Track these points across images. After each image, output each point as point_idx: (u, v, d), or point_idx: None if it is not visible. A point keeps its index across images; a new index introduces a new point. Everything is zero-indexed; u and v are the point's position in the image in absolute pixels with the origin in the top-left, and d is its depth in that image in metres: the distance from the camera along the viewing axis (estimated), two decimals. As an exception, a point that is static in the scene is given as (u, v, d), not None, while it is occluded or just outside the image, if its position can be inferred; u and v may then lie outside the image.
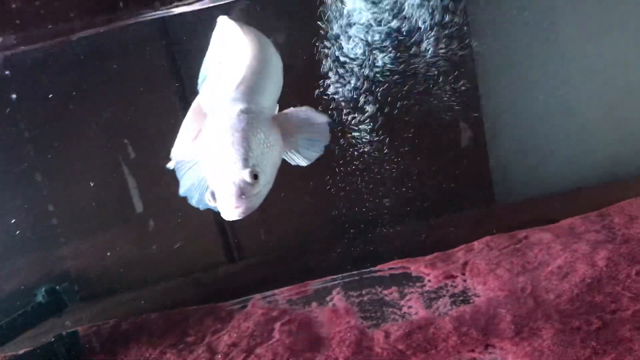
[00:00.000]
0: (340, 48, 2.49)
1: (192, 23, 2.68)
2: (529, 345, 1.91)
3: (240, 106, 1.60)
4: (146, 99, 2.77)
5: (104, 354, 2.42)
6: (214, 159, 1.51)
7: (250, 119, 1.56)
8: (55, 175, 2.79)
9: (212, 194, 1.49)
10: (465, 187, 3.00)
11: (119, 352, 2.42)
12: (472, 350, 1.96)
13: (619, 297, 2.05)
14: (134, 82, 2.76)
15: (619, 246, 2.29)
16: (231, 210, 1.46)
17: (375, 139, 2.77)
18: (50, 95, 2.66)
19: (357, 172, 2.83)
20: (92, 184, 2.81)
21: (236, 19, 2.04)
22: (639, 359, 1.74)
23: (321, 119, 1.72)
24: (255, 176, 1.46)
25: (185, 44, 2.72)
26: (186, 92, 2.79)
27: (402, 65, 2.67)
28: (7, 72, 2.58)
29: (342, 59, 2.51)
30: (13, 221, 2.75)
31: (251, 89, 1.67)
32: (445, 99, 2.84)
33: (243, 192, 1.44)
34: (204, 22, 2.67)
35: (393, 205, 2.88)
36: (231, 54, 1.86)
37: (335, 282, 2.63)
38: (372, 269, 2.67)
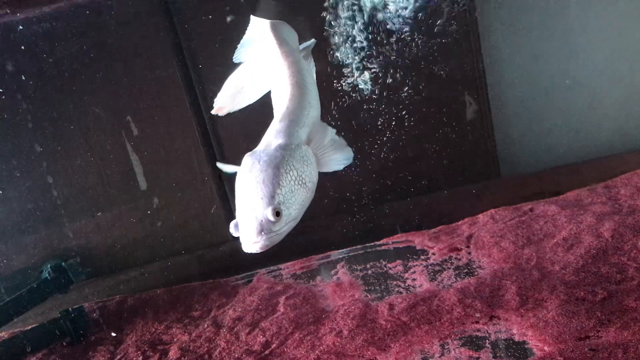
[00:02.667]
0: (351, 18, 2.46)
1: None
2: (533, 316, 1.90)
3: (280, 141, 1.65)
4: (148, 74, 2.76)
5: (110, 329, 2.44)
6: (244, 191, 1.54)
7: (287, 156, 1.60)
8: (59, 153, 2.79)
9: (236, 226, 1.55)
10: (470, 160, 2.98)
11: (125, 328, 2.44)
12: (477, 322, 1.96)
13: (625, 267, 2.04)
14: (134, 57, 2.74)
15: (625, 217, 2.27)
16: (250, 245, 1.52)
17: (380, 114, 2.75)
18: (50, 66, 2.66)
19: (362, 147, 2.81)
20: (96, 161, 2.81)
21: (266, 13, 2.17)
22: (644, 328, 1.73)
23: (347, 149, 1.82)
24: (277, 214, 1.50)
25: (187, 17, 2.69)
26: (188, 67, 2.77)
27: (406, 38, 2.64)
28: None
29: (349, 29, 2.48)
30: (19, 199, 2.76)
31: (293, 123, 1.73)
32: (450, 73, 2.82)
33: (263, 228, 1.49)
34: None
35: (398, 179, 2.87)
36: (270, 75, 2.00)
37: (340, 257, 2.63)
38: (377, 242, 2.67)
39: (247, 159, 1.61)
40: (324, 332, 2.08)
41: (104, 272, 2.87)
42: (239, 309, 2.35)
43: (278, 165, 1.56)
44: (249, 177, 1.55)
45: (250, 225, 1.50)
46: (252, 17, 2.26)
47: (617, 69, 2.95)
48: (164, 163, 2.88)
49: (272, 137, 1.68)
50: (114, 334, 2.39)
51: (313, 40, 2.30)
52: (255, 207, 1.50)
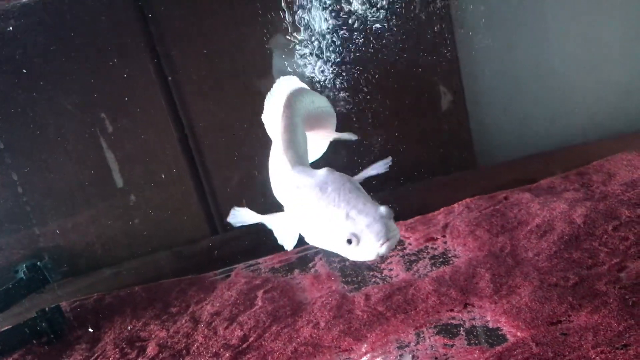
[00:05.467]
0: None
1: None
2: (507, 303, 1.92)
3: (325, 171, 1.65)
4: (122, 70, 2.73)
5: (88, 327, 2.42)
6: (335, 208, 1.53)
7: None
8: (32, 151, 2.76)
9: (355, 237, 1.49)
10: (446, 150, 3.00)
11: (103, 326, 2.42)
12: (452, 310, 1.98)
13: (596, 252, 2.07)
14: (108, 53, 2.71)
15: (596, 203, 2.30)
16: (385, 247, 1.49)
17: (355, 104, 2.75)
18: (20, 63, 2.62)
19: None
20: (71, 159, 2.79)
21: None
22: (613, 312, 1.75)
23: None
24: None
25: (161, 11, 2.67)
26: (162, 63, 2.75)
27: (380, 28, 2.64)
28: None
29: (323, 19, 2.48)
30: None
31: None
32: (425, 63, 2.83)
33: (391, 226, 1.51)
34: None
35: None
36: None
37: (318, 249, 2.63)
38: (354, 234, 2.67)
39: (309, 189, 1.60)
40: (301, 324, 2.09)
41: (81, 270, 2.86)
42: (217, 304, 2.35)
43: (346, 178, 1.61)
44: (336, 193, 1.55)
45: (381, 227, 1.48)
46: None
47: (590, 58, 2.99)
48: (139, 160, 2.86)
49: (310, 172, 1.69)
50: (91, 330, 2.37)
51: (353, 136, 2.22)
52: (372, 212, 1.50)
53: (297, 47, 2.53)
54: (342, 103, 2.66)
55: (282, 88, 2.03)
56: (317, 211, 1.56)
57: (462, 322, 1.91)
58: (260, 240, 2.93)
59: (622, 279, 1.91)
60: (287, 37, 2.50)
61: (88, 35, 2.66)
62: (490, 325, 1.87)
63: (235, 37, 2.72)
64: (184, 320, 2.32)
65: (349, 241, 1.51)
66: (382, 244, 1.49)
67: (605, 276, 1.93)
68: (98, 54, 2.70)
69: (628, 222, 2.16)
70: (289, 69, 2.54)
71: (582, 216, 2.24)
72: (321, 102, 2.21)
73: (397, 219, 2.66)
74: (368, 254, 1.51)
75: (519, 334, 1.78)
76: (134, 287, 2.61)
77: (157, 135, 2.83)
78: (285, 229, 1.75)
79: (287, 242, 1.77)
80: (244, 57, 2.74)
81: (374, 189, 2.83)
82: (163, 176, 2.88)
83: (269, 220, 1.77)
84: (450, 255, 2.31)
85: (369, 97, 2.73)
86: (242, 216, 1.80)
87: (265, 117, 2.02)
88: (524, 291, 1.95)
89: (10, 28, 2.56)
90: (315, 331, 2.03)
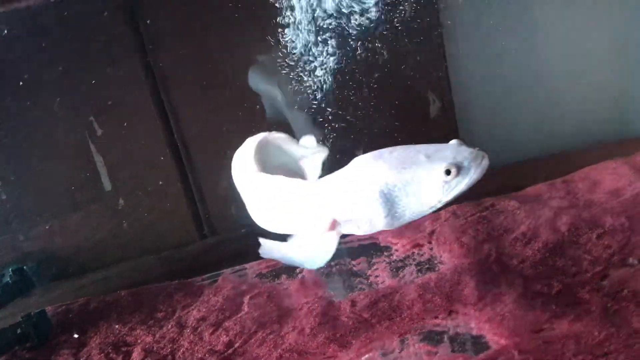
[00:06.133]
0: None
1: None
2: (491, 310, 1.93)
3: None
4: (112, 74, 2.74)
5: (73, 332, 2.41)
6: (410, 162, 1.56)
7: None
8: (21, 154, 2.76)
9: (453, 164, 1.51)
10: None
11: (88, 330, 2.41)
12: (436, 317, 1.99)
13: (580, 260, 2.08)
14: (97, 56, 2.72)
15: (581, 211, 2.32)
16: (486, 160, 1.55)
17: (342, 111, 2.76)
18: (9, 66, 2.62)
19: (326, 144, 2.82)
20: (59, 162, 2.79)
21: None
22: (595, 320, 1.77)
23: None
24: None
25: (151, 15, 2.68)
26: (151, 66, 2.76)
27: (369, 35, 2.65)
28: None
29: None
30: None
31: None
32: (413, 70, 2.84)
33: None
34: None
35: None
36: None
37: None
38: (341, 240, 2.67)
39: (367, 172, 1.64)
40: (286, 330, 2.09)
41: (68, 274, 2.85)
42: (204, 309, 2.35)
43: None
44: (394, 155, 1.62)
45: (474, 151, 1.55)
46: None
47: (577, 67, 3.01)
48: (128, 163, 2.87)
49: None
50: (76, 335, 2.36)
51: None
52: (455, 147, 1.58)
53: (284, 61, 2.54)
54: (327, 111, 2.67)
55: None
56: (391, 180, 1.57)
57: (446, 329, 1.92)
58: (248, 245, 2.95)
59: (604, 287, 1.92)
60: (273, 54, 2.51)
61: (78, 39, 2.66)
62: (474, 332, 1.88)
63: (225, 43, 2.73)
64: (170, 326, 2.31)
65: (447, 172, 1.51)
66: (483, 157, 1.52)
67: (588, 284, 1.95)
68: (88, 58, 2.71)
69: (611, 230, 2.18)
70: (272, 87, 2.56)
71: (567, 224, 2.26)
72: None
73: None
74: (473, 173, 1.53)
75: (502, 341, 1.80)
76: (120, 292, 2.61)
77: (147, 139, 2.84)
78: (321, 245, 1.75)
79: (322, 258, 1.77)
80: (235, 63, 2.75)
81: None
82: (152, 180, 2.88)
83: (299, 244, 1.78)
84: (436, 261, 2.32)
85: (357, 106, 2.74)
86: (270, 250, 1.84)
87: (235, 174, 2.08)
88: (508, 299, 1.96)
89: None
90: (301, 337, 2.03)
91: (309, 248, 1.76)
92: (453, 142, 1.58)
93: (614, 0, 2.89)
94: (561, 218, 2.30)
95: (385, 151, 1.66)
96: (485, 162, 1.54)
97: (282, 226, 1.88)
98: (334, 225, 1.73)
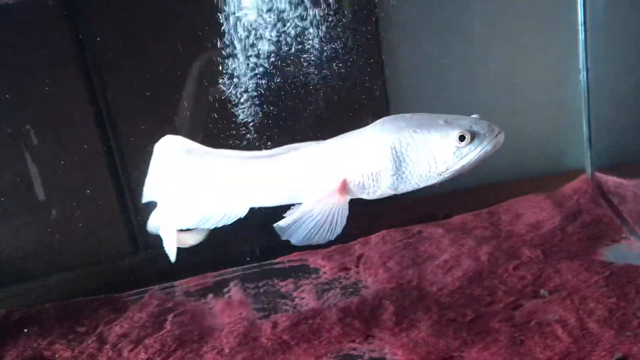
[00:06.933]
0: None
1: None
2: (406, 336, 1.98)
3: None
4: (50, 82, 2.71)
5: (-10, 344, 2.36)
6: (426, 126, 1.56)
7: None
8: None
9: (469, 131, 1.52)
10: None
11: (6, 344, 2.36)
12: (353, 341, 2.02)
13: (495, 290, 2.15)
14: (35, 64, 2.68)
15: (502, 242, 2.40)
16: (502, 135, 1.54)
17: (280, 132, 2.79)
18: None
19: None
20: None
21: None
22: (502, 349, 1.83)
23: None
24: None
25: (92, 22, 2.67)
26: (91, 74, 2.74)
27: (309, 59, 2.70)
28: None
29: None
30: None
31: None
32: (353, 97, 2.89)
33: None
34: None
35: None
36: None
37: (235, 274, 2.64)
38: (273, 261, 2.70)
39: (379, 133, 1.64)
40: (205, 350, 2.09)
41: (-3, 286, 2.78)
42: (126, 326, 2.33)
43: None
44: (414, 119, 1.61)
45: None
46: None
47: (513, 103, 3.12)
48: (64, 174, 2.82)
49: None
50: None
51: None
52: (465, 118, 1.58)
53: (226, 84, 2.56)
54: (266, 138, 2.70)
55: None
56: (405, 138, 1.56)
57: (361, 354, 1.96)
58: (180, 262, 2.94)
59: (515, 317, 1.99)
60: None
61: (14, 46, 2.63)
62: (388, 357, 1.92)
63: (168, 56, 2.74)
64: (90, 341, 2.28)
65: (461, 138, 1.51)
66: (499, 132, 1.52)
67: (500, 314, 2.02)
68: (25, 65, 2.67)
69: (528, 262, 2.27)
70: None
71: (487, 254, 2.34)
72: None
73: (316, 247, 2.74)
74: (486, 144, 1.52)
75: (412, 367, 1.84)
76: (44, 304, 2.56)
77: (84, 151, 2.80)
78: (332, 213, 1.69)
79: (336, 226, 1.71)
80: (177, 75, 2.75)
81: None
82: (86, 192, 2.85)
83: (311, 209, 1.70)
84: (360, 285, 2.37)
85: (296, 132, 2.77)
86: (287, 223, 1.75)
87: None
88: (424, 325, 2.01)
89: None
90: (219, 358, 2.04)
91: (321, 216, 1.70)
92: (474, 115, 1.58)
93: (550, 37, 3.01)
94: (482, 248, 2.38)
95: (407, 114, 1.66)
96: (501, 138, 1.54)
97: (288, 194, 1.82)
98: (343, 187, 1.69)
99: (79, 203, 2.86)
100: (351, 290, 2.34)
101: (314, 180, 1.73)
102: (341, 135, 1.76)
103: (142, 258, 2.93)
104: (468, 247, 2.40)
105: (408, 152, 1.58)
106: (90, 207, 2.86)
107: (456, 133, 1.52)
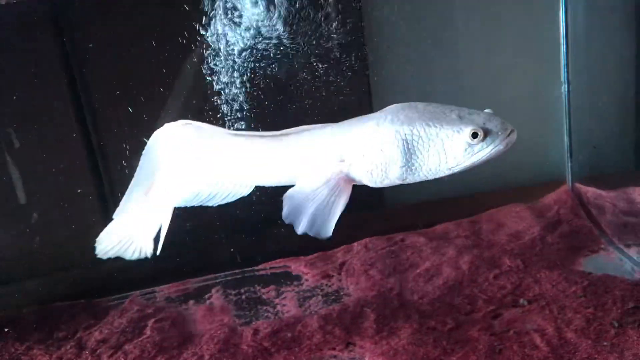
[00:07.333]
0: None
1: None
2: (386, 344, 1.99)
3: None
4: (33, 85, 2.69)
5: (-34, 349, 2.33)
6: (439, 119, 1.54)
7: None
8: None
9: (482, 128, 1.51)
10: (355, 190, 3.08)
11: (-17, 348, 2.33)
12: (334, 348, 2.03)
13: (475, 299, 2.17)
14: (17, 67, 2.66)
15: (482, 251, 2.43)
16: (515, 134, 1.55)
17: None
18: None
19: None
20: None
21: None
22: (481, 357, 1.84)
23: None
24: None
25: (75, 26, 2.66)
26: (75, 79, 2.72)
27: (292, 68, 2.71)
28: None
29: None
30: None
31: None
32: (336, 107, 2.91)
33: None
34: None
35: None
36: None
37: (217, 281, 2.64)
38: (255, 267, 2.70)
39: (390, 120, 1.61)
40: (186, 356, 2.08)
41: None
42: (106, 331, 2.31)
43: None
44: (427, 110, 1.58)
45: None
46: None
47: (494, 113, 3.15)
48: (45, 177, 2.80)
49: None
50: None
51: None
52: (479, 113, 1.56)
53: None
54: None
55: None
56: (417, 130, 1.54)
57: (341, 361, 1.97)
58: (162, 268, 2.92)
59: (494, 326, 2.01)
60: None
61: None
62: (368, 365, 1.93)
63: (152, 59, 2.73)
64: (69, 346, 2.26)
65: (474, 135, 1.49)
66: (512, 131, 1.51)
67: (479, 323, 2.03)
68: (8, 67, 2.65)
69: (508, 271, 2.29)
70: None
71: (468, 263, 2.35)
72: None
73: (298, 254, 2.75)
74: (498, 143, 1.52)
75: (392, 375, 1.85)
76: (22, 309, 2.53)
77: (65, 153, 2.78)
78: (334, 192, 1.68)
79: (337, 206, 1.70)
80: (161, 79, 2.75)
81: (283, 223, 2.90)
82: (68, 195, 2.83)
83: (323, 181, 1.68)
84: (342, 293, 2.37)
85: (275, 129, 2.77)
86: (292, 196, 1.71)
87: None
88: (404, 333, 2.02)
89: None
90: (199, 364, 2.03)
91: (323, 197, 1.69)
92: (487, 110, 1.57)
93: (532, 50, 3.05)
94: (463, 257, 2.39)
95: (420, 103, 1.64)
96: (513, 137, 1.54)
97: (294, 175, 1.79)
98: (349, 172, 1.68)
99: (59, 206, 2.84)
100: (333, 297, 2.35)
101: (320, 163, 1.71)
102: (350, 120, 1.74)
103: (123, 263, 2.91)
104: (449, 256, 2.42)
105: (419, 145, 1.57)
106: (70, 210, 2.84)
107: (469, 130, 1.51)
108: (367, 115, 1.71)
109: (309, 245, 2.81)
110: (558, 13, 2.80)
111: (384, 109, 1.69)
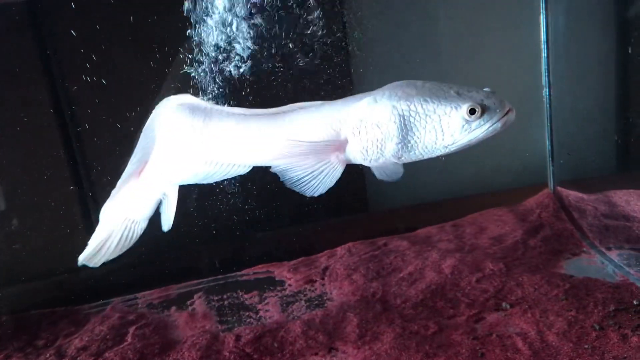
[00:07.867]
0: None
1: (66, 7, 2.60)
2: (369, 349, 1.98)
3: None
4: (13, 92, 2.66)
5: (-57, 358, 2.28)
6: (438, 96, 1.53)
7: None
8: None
9: (480, 105, 1.49)
10: (339, 194, 3.07)
11: (-40, 357, 2.29)
12: (316, 354, 2.01)
13: (458, 303, 2.17)
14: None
15: (465, 255, 2.43)
16: (513, 114, 1.53)
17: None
18: None
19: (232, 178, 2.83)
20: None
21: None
22: (463, 362, 1.85)
23: None
24: None
25: (57, 33, 2.63)
26: (56, 85, 2.69)
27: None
28: None
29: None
30: None
31: None
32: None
33: None
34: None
35: (267, 211, 2.91)
36: None
37: (199, 286, 2.62)
38: (238, 273, 2.68)
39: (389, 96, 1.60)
40: (166, 363, 2.06)
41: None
42: (86, 338, 2.28)
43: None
44: (426, 87, 1.57)
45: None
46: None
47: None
48: (26, 183, 2.77)
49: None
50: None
51: None
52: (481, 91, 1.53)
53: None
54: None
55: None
56: (415, 106, 1.52)
57: (324, 367, 1.96)
58: (142, 274, 2.89)
59: (477, 330, 2.01)
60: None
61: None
62: (351, 370, 1.92)
63: (134, 64, 2.71)
64: (48, 354, 2.23)
65: (472, 112, 1.47)
66: (510, 109, 1.49)
67: (462, 326, 2.03)
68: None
69: (491, 274, 2.29)
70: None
71: (451, 267, 2.36)
72: None
73: (282, 259, 2.74)
74: (495, 120, 1.48)
75: (374, 380, 1.84)
76: (0, 317, 2.49)
77: (46, 160, 2.76)
78: (327, 167, 1.67)
79: (327, 180, 1.68)
80: (143, 88, 2.73)
81: (267, 228, 2.88)
82: (49, 202, 2.80)
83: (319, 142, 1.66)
84: (325, 298, 2.36)
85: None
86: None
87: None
88: (387, 338, 2.01)
89: None
90: (180, 371, 2.01)
91: (314, 168, 1.68)
92: (486, 89, 1.56)
93: (513, 54, 3.07)
94: (446, 261, 2.39)
95: (419, 81, 1.63)
96: (512, 116, 1.52)
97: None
98: (344, 147, 1.66)
99: (40, 213, 2.81)
100: (316, 302, 2.34)
101: (317, 139, 1.69)
102: (348, 97, 1.73)
103: (104, 269, 2.88)
104: (432, 260, 2.42)
105: (416, 121, 1.56)
106: (51, 217, 2.81)
107: (467, 106, 1.50)
108: (366, 92, 1.70)
109: (293, 250, 2.81)
110: (539, 18, 2.82)
111: (384, 87, 1.68)
